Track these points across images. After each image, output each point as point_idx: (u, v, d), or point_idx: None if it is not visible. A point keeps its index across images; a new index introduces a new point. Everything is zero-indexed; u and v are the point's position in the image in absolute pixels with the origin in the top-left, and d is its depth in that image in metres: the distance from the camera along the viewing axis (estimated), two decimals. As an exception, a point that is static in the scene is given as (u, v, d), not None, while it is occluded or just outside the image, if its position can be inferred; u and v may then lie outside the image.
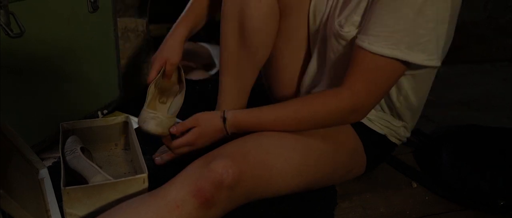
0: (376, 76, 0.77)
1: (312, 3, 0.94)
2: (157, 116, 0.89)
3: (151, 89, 0.94)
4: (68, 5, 1.01)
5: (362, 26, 0.80)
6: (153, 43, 1.44)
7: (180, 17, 1.00)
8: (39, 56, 0.97)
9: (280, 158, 0.77)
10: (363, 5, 0.81)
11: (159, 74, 0.94)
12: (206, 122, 0.86)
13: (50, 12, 0.96)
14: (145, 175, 0.78)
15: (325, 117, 0.80)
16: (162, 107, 0.98)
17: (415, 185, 0.99)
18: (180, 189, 0.67)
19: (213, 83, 1.43)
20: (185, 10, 1.01)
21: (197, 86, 1.42)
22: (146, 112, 0.90)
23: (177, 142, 0.88)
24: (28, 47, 0.93)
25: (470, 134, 1.10)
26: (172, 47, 0.95)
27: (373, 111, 0.91)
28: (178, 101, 0.98)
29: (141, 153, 0.87)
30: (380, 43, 0.75)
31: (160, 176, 0.93)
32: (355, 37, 0.80)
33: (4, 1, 0.85)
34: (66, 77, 1.05)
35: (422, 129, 1.16)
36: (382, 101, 0.91)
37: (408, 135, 0.98)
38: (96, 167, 0.82)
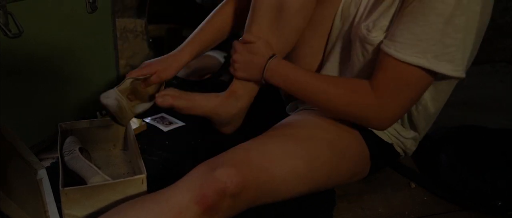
0: (401, 84, 0.77)
1: (342, 2, 0.92)
2: (122, 101, 0.87)
3: (126, 83, 0.91)
4: (67, 5, 1.01)
5: (389, 31, 0.79)
6: (153, 43, 1.45)
7: (194, 33, 0.98)
8: (38, 56, 0.97)
9: (284, 166, 0.76)
10: (392, 10, 0.80)
11: (141, 78, 0.92)
12: (256, 49, 0.87)
13: (49, 12, 0.96)
14: (144, 176, 0.78)
15: (346, 105, 0.81)
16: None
17: (414, 186, 0.99)
18: (184, 195, 0.66)
19: (210, 84, 1.42)
20: (203, 23, 0.99)
21: (196, 87, 1.42)
22: (115, 92, 0.88)
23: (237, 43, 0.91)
24: (27, 48, 0.93)
25: (469, 135, 1.10)
26: (169, 66, 0.94)
27: None
28: (145, 106, 0.95)
29: (140, 153, 0.87)
30: (407, 50, 0.74)
31: (159, 177, 0.93)
32: (381, 42, 0.79)
33: (2, 1, 0.85)
34: (65, 77, 1.05)
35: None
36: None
37: (414, 148, 0.96)
38: (95, 167, 0.82)
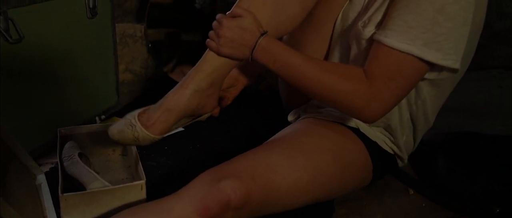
0: (393, 72, 0.75)
1: (346, 4, 0.91)
2: (127, 126, 0.78)
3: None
4: (67, 11, 1.01)
5: (382, 23, 0.78)
6: (152, 48, 1.45)
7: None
8: (38, 61, 0.97)
9: (288, 178, 0.75)
10: (386, 3, 0.79)
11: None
12: (246, 24, 0.78)
13: (49, 18, 0.97)
14: (143, 182, 0.78)
15: (339, 92, 0.77)
16: None
17: (412, 192, 0.99)
18: (186, 205, 0.66)
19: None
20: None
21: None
22: (132, 114, 0.80)
23: (220, 15, 0.82)
24: (27, 53, 0.93)
25: (466, 141, 1.11)
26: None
27: (386, 125, 0.89)
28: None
29: (139, 159, 0.87)
30: (397, 37, 0.73)
31: (157, 183, 0.93)
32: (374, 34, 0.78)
33: (3, 7, 0.85)
34: (64, 82, 1.05)
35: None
36: (398, 111, 0.88)
37: (407, 157, 0.97)
38: (94, 173, 0.82)
